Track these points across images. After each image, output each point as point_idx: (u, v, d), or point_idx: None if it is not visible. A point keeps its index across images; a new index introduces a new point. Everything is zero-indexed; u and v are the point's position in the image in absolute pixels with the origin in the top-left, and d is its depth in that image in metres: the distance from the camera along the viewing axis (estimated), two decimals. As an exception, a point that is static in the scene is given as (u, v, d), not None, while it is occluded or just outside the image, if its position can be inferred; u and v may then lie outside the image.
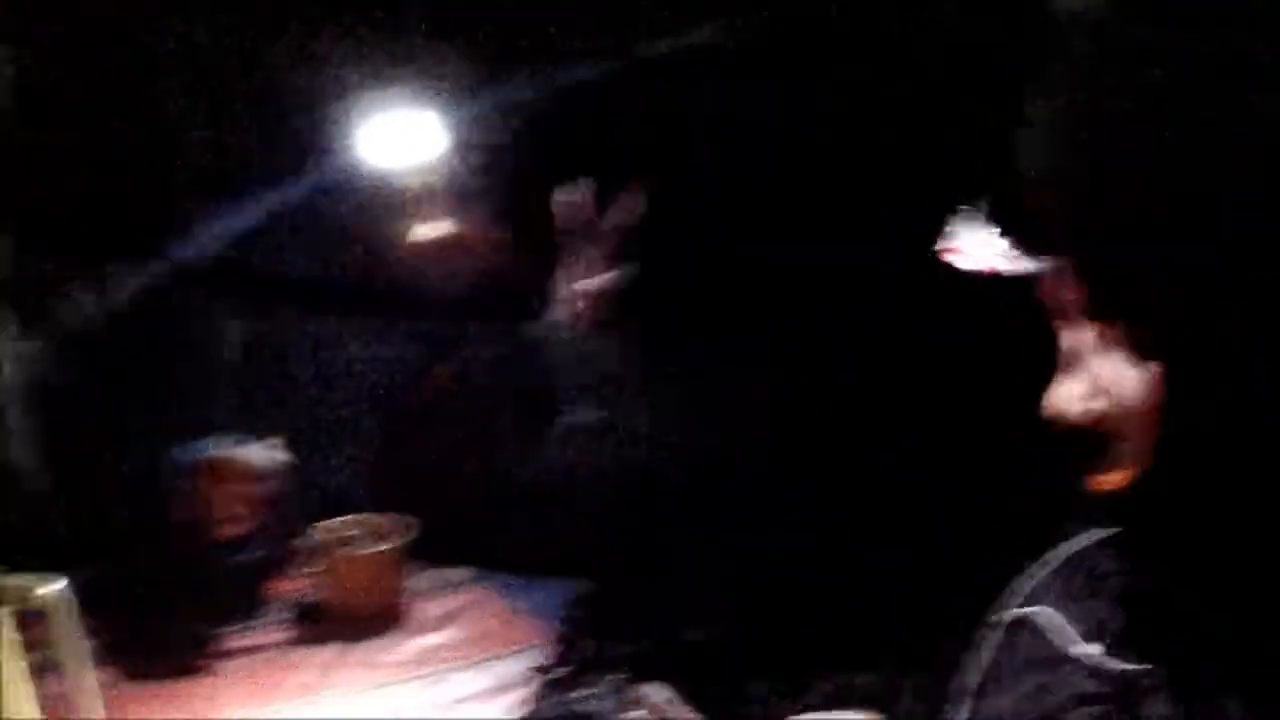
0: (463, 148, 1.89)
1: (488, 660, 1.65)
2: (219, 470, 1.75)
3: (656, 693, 1.09)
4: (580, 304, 1.76)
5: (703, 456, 1.64)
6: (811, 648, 1.32)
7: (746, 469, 1.63)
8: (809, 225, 1.68)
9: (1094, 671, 0.82)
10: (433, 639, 1.72)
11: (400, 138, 1.87)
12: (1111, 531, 0.87)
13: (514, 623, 1.76)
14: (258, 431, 1.79)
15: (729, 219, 1.74)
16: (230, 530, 1.76)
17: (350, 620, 1.75)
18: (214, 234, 2.10)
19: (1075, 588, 0.88)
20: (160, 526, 1.77)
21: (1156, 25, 0.80)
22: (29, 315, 2.01)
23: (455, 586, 1.87)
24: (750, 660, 1.39)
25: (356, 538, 1.82)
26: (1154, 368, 0.80)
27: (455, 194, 1.94)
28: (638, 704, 1.10)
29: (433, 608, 1.80)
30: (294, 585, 1.84)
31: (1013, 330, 1.07)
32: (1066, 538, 0.94)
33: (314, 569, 1.81)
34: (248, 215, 2.04)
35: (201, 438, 1.80)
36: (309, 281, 2.07)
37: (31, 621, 1.23)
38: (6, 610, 1.22)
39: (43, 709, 1.24)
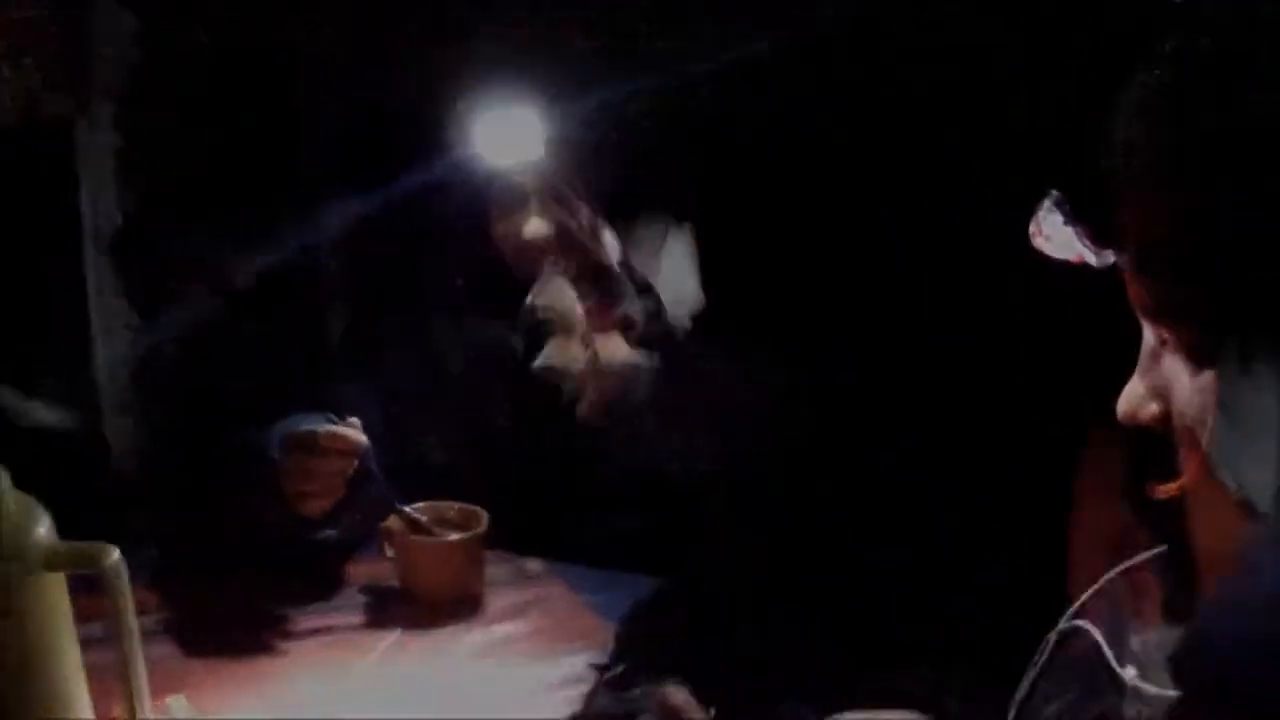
0: (569, 146, 1.89)
1: (555, 654, 1.62)
2: (304, 446, 1.74)
3: (675, 693, 1.05)
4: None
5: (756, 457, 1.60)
6: (860, 648, 1.28)
7: (806, 470, 1.58)
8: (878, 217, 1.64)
9: (1129, 693, 0.77)
10: (502, 629, 1.70)
11: (507, 135, 1.86)
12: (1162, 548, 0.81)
13: (585, 617, 1.73)
14: (341, 413, 1.78)
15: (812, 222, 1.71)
16: (311, 508, 1.76)
17: (424, 607, 1.74)
18: (322, 224, 2.13)
19: (1126, 604, 0.83)
20: (242, 500, 1.78)
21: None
22: (137, 294, 2.06)
23: (529, 578, 1.84)
24: (794, 661, 1.34)
25: (436, 524, 1.81)
26: (1210, 374, 0.74)
27: (561, 191, 1.93)
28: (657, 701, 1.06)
29: (505, 598, 1.78)
30: (371, 568, 1.83)
31: (1088, 331, 1.01)
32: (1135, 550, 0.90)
33: (392, 553, 1.80)
34: (355, 207, 2.07)
35: (286, 416, 1.80)
36: (412, 272, 2.08)
37: (82, 594, 1.23)
38: (60, 576, 1.22)
39: (90, 679, 1.24)
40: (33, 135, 1.96)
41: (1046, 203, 0.85)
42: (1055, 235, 0.85)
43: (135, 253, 2.03)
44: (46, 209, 2.00)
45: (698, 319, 1.86)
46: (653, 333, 1.89)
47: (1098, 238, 0.83)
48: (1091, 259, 0.83)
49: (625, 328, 1.89)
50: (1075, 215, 0.85)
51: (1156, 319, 0.79)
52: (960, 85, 1.53)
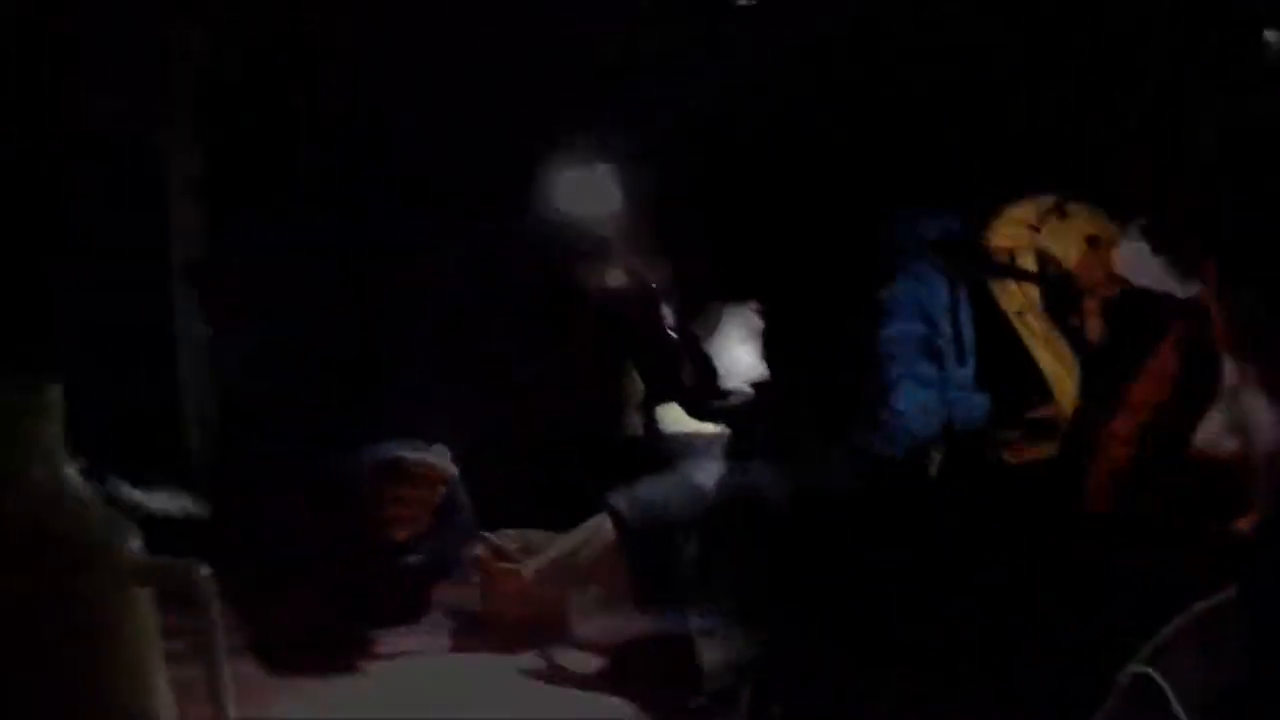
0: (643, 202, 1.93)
1: (637, 684, 1.62)
2: (396, 472, 1.77)
3: None
4: None
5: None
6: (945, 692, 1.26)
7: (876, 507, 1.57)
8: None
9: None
10: (584, 659, 1.70)
11: (587, 191, 1.97)
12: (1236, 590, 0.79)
13: (669, 645, 1.72)
14: (429, 440, 1.80)
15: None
16: (399, 533, 1.78)
17: (506, 633, 1.75)
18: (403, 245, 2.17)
19: (1200, 646, 0.81)
20: (332, 523, 1.81)
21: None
22: (219, 315, 2.11)
23: (614, 606, 1.84)
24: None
25: (524, 553, 1.82)
26: None
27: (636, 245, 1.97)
28: None
29: (588, 627, 1.78)
30: (457, 593, 1.85)
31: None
32: (1208, 591, 0.87)
33: (476, 579, 1.81)
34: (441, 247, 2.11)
35: (378, 441, 1.82)
36: (494, 301, 2.12)
37: (169, 609, 1.25)
38: (147, 592, 1.24)
39: (176, 696, 1.26)
40: (119, 157, 2.02)
41: (1132, 230, 0.85)
42: (1140, 264, 0.84)
43: (219, 274, 2.08)
44: (134, 229, 2.06)
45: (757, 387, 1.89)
46: (710, 401, 1.93)
47: (1185, 268, 0.82)
48: (1176, 289, 0.82)
49: (683, 397, 1.94)
50: (1162, 245, 0.84)
51: (1238, 349, 0.77)
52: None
